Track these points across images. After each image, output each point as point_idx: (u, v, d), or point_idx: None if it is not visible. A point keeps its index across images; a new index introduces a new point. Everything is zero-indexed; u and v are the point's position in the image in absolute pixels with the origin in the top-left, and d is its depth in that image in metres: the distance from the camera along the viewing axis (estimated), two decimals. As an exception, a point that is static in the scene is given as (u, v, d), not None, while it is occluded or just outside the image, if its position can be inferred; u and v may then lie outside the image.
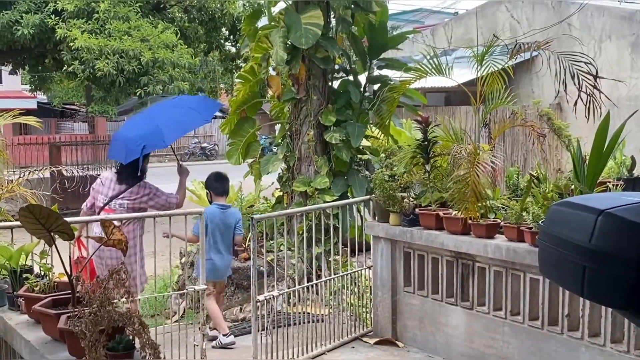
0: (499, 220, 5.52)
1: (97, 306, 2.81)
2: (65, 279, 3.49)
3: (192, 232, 6.43)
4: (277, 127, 16.74)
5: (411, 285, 6.16)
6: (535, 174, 7.13)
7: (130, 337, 2.84)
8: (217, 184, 7.03)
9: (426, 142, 5.96)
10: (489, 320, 5.51)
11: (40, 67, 17.68)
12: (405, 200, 6.07)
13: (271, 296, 5.67)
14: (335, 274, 6.69)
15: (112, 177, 6.38)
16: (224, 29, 17.35)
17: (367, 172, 8.47)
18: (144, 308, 9.81)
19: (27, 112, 31.17)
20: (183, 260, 9.24)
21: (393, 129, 8.11)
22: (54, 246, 3.26)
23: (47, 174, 19.07)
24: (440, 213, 5.76)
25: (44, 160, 19.38)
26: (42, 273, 3.68)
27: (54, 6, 14.07)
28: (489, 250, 5.34)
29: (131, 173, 6.31)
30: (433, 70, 6.24)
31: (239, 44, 17.54)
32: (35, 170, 5.88)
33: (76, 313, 2.89)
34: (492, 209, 5.80)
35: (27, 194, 5.43)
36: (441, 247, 5.73)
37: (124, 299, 2.85)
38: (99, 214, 6.05)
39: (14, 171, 18.93)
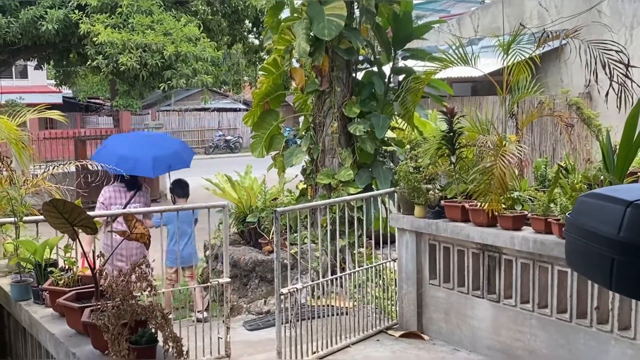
0: (526, 212, 5.43)
1: (120, 300, 2.79)
2: (89, 272, 3.48)
3: (153, 222, 7.33)
4: (301, 119, 16.74)
5: (437, 277, 6.09)
6: (564, 165, 7.04)
7: (153, 330, 2.82)
8: (178, 189, 8.39)
9: (452, 133, 5.87)
10: (516, 313, 5.43)
11: (64, 62, 17.82)
12: (431, 192, 5.99)
13: (295, 289, 5.64)
14: (359, 267, 6.64)
15: (119, 188, 7.66)
16: (247, 22, 17.33)
17: (391, 164, 8.40)
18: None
19: (53, 107, 31.43)
20: (207, 253, 9.25)
21: (418, 120, 8.03)
22: (77, 240, 3.23)
23: (72, 168, 19.27)
24: (466, 205, 5.68)
25: (69, 154, 19.58)
26: (67, 267, 3.68)
27: (78, 1, 14.14)
28: (516, 243, 5.25)
29: (135, 183, 7.71)
30: (459, 60, 6.14)
31: (262, 37, 17.53)
32: (60, 164, 5.83)
33: (99, 307, 2.87)
34: (519, 200, 5.70)
35: (51, 189, 5.42)
36: (467, 239, 5.66)
37: (146, 292, 2.82)
38: (114, 220, 6.80)
39: (39, 165, 19.20)
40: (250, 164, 10.03)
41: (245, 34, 17.84)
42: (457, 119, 5.93)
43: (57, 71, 19.49)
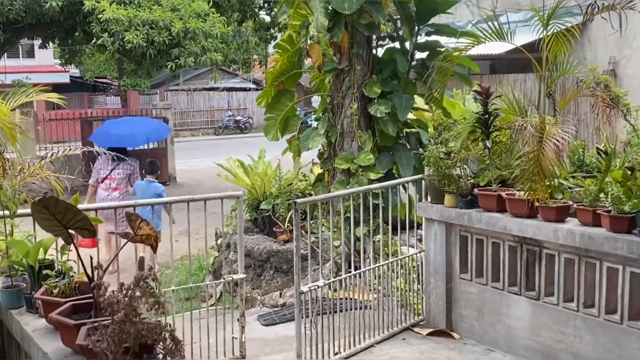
0: (570, 202, 4.94)
1: (122, 318, 2.34)
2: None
3: (132, 192, 9.63)
4: (314, 99, 16.17)
5: (468, 272, 5.63)
6: (603, 148, 6.53)
7: (161, 356, 2.37)
8: (148, 167, 10.00)
9: (487, 115, 5.37)
10: (558, 312, 4.96)
11: (70, 41, 17.32)
12: (462, 179, 5.50)
13: (316, 286, 5.17)
14: (383, 260, 6.17)
15: (106, 158, 9.88)
16: (258, -3, 16.78)
17: (416, 147, 7.89)
18: (179, 292, 9.47)
19: (60, 87, 31.10)
20: (219, 241, 8.82)
21: (446, 100, 7.51)
22: (73, 244, 2.78)
23: (77, 151, 18.83)
24: (503, 194, 5.19)
25: (75, 135, 19.14)
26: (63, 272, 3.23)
27: (83, -24, 13.63)
28: (560, 236, 4.77)
29: (122, 153, 9.71)
30: (493, 35, 5.61)
31: (274, 12, 16.96)
32: (60, 150, 5.39)
33: (97, 326, 2.42)
34: (559, 188, 5.21)
35: (50, 178, 4.97)
36: (503, 231, 5.18)
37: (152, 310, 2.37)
38: (102, 182, 9.99)
39: (45, 147, 18.80)
40: (263, 147, 9.55)
41: (257, 10, 17.26)
42: (492, 100, 5.42)
43: (62, 50, 18.98)
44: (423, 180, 5.96)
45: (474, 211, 5.38)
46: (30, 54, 39.30)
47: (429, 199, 5.93)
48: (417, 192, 7.71)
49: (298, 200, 4.99)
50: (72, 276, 3.14)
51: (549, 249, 4.95)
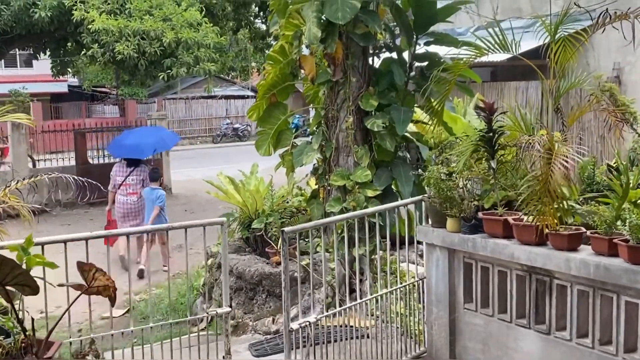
0: (582, 229, 4.53)
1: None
2: (39, 334, 2.62)
3: (157, 204, 10.51)
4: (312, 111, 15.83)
5: (473, 301, 5.21)
6: (614, 165, 6.13)
7: None
8: (150, 174, 11.01)
9: (491, 133, 4.97)
10: (571, 349, 4.54)
11: (62, 51, 16.94)
12: (465, 201, 5.10)
13: (307, 323, 4.75)
14: (379, 285, 5.75)
15: (122, 165, 11.34)
16: (253, 5, 16.36)
17: (416, 162, 7.49)
18: (169, 313, 9.07)
19: (58, 96, 30.74)
20: (210, 261, 8.41)
21: (447, 114, 7.11)
22: (11, 304, 2.38)
23: (72, 162, 18.49)
24: (510, 219, 4.78)
25: (70, 145, 18.76)
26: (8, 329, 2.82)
27: (72, -15, 13.25)
28: (572, 266, 4.36)
29: (133, 163, 11.26)
30: (497, 46, 5.22)
31: (269, 21, 16.59)
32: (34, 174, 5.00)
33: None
34: (570, 211, 4.81)
35: (17, 204, 4.58)
36: (511, 259, 4.77)
37: None
38: (119, 187, 11.10)
39: (44, 158, 18.39)
40: (256, 162, 9.15)
41: (252, 18, 16.88)
42: (497, 116, 5.02)
43: (54, 61, 18.61)
44: (423, 202, 5.54)
45: (478, 237, 4.97)
46: (28, 63, 38.98)
47: (429, 222, 5.53)
48: (416, 209, 7.33)
49: (286, 229, 4.59)
50: (18, 334, 2.73)
51: (561, 280, 4.53)
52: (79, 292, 2.57)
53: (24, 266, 3.06)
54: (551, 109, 5.30)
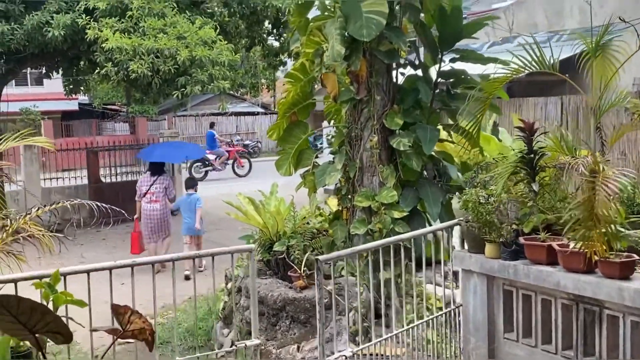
0: (635, 256, 4.28)
1: None
2: None
3: (172, 207, 12.04)
4: (324, 123, 15.61)
5: (514, 331, 4.96)
6: (655, 185, 5.87)
7: None
8: (187, 182, 12.15)
9: (532, 155, 4.74)
10: (623, 383, 4.29)
11: (74, 70, 16.81)
12: (505, 225, 4.86)
13: (343, 357, 4.50)
14: (408, 307, 5.51)
15: (147, 175, 12.09)
16: (266, 22, 16.21)
17: (443, 182, 7.25)
18: (186, 337, 8.84)
19: (69, 114, 30.72)
20: (229, 285, 8.17)
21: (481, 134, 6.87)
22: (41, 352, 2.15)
23: (84, 181, 18.32)
24: (554, 245, 4.54)
25: (82, 163, 18.61)
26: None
27: (86, 4, 13.11)
28: (626, 296, 4.12)
29: (158, 170, 12.01)
30: (535, 63, 4.99)
31: (282, 38, 16.43)
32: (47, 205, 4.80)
33: None
34: (617, 236, 4.56)
35: (36, 230, 4.37)
36: (556, 288, 4.53)
37: None
38: (144, 196, 11.80)
39: (50, 178, 18.22)
40: (275, 182, 8.93)
41: (265, 35, 16.71)
42: (537, 136, 4.79)
43: (67, 80, 18.48)
44: (459, 226, 5.31)
45: (520, 263, 4.73)
46: (39, 81, 39.01)
47: (465, 247, 5.28)
48: (448, 232, 7.10)
49: (321, 258, 4.35)
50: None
51: (612, 310, 4.28)
52: (114, 338, 2.35)
53: (50, 305, 2.85)
54: (592, 128, 5.07)
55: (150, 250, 11.76)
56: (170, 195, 11.88)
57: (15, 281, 4.08)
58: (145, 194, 11.76)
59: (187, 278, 10.60)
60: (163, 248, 11.79)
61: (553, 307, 4.64)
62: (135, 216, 11.99)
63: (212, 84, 12.74)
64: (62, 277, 4.05)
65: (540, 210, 5.00)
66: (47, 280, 3.23)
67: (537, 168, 4.80)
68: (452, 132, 7.11)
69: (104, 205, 6.53)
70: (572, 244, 4.44)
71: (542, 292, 4.69)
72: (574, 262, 4.39)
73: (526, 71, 5.09)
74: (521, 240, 4.76)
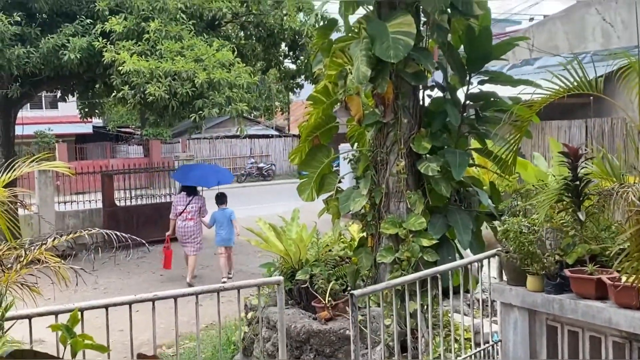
0: (696, 292, 3.98)
1: None
2: None
3: (208, 223, 13.13)
4: (341, 146, 15.37)
5: (558, 370, 4.64)
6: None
7: None
8: (218, 199, 13.00)
9: (577, 182, 4.46)
10: None
11: (90, 93, 16.71)
12: (549, 256, 4.57)
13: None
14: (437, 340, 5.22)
15: (182, 195, 13.08)
16: (283, 45, 16.07)
17: (472, 209, 6.98)
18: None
19: (83, 137, 30.88)
20: (249, 315, 7.90)
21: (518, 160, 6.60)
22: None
23: (98, 205, 18.16)
24: (605, 279, 4.24)
25: (96, 186, 18.47)
26: None
27: (102, 27, 13.01)
28: (687, 335, 3.81)
29: (193, 191, 13.11)
30: (579, 86, 4.73)
31: (299, 60, 16.28)
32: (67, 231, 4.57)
33: None
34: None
35: (53, 260, 4.13)
36: (607, 324, 4.21)
37: None
38: (180, 215, 12.94)
39: (70, 200, 18.04)
40: (297, 208, 8.68)
41: (281, 58, 16.58)
42: (583, 162, 4.51)
43: (82, 103, 18.40)
44: (497, 257, 5.02)
45: (566, 297, 4.43)
46: (53, 105, 39.23)
47: (504, 278, 4.99)
48: (471, 250, 6.81)
49: (355, 293, 4.08)
50: None
51: (669, 349, 3.98)
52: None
53: (68, 351, 2.60)
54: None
55: (188, 261, 13.13)
56: (203, 214, 13.09)
57: (29, 317, 3.83)
58: (181, 213, 12.89)
59: (229, 272, 12.99)
60: (192, 260, 13.06)
61: (603, 345, 4.33)
62: (168, 233, 13.13)
63: (229, 107, 12.55)
64: (80, 312, 3.81)
65: (584, 240, 4.72)
66: (65, 317, 2.97)
67: (583, 196, 4.52)
68: (478, 156, 6.82)
69: (116, 233, 6.25)
70: (623, 278, 4.14)
71: (590, 328, 4.38)
72: (627, 297, 4.09)
73: (568, 93, 4.81)
74: (567, 272, 4.47)
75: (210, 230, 13.56)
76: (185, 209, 12.87)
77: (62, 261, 4.61)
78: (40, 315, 3.78)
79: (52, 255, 4.45)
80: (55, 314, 3.80)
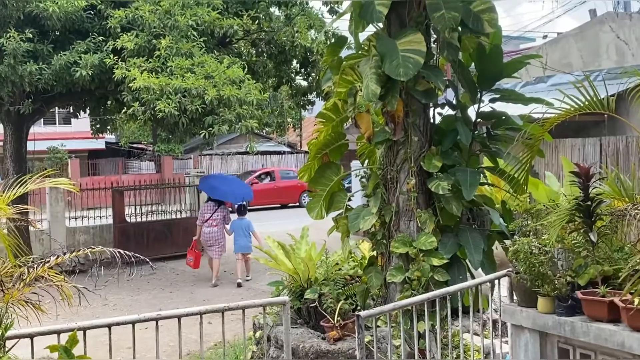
0: None
1: None
2: None
3: (229, 229, 14.38)
4: (353, 163, 15.33)
5: (570, 393, 4.54)
6: None
7: None
8: (239, 209, 14.42)
9: (588, 202, 4.38)
10: None
11: (101, 109, 16.78)
12: (561, 278, 4.48)
13: None
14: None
15: (209, 204, 14.40)
16: (294, 62, 16.10)
17: (481, 226, 6.90)
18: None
19: (95, 152, 30.98)
20: (257, 334, 7.82)
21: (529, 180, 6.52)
22: None
23: (109, 220, 18.18)
24: (617, 301, 4.14)
25: (108, 202, 18.48)
26: None
27: (114, 44, 13.08)
28: (701, 360, 3.70)
29: (219, 203, 14.39)
30: (591, 104, 4.66)
31: (310, 77, 16.29)
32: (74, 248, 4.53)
33: None
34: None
35: (59, 280, 4.09)
36: (620, 348, 4.11)
37: None
38: (206, 221, 14.19)
39: (81, 216, 18.06)
40: (306, 226, 8.62)
41: (293, 75, 16.60)
42: (594, 182, 4.44)
43: (94, 119, 18.49)
44: (508, 277, 4.93)
45: (577, 320, 4.34)
46: (66, 121, 39.49)
47: (514, 299, 4.90)
48: (483, 269, 6.72)
49: (362, 314, 4.01)
50: None
51: (685, 375, 3.87)
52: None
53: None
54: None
55: (212, 264, 14.44)
56: (227, 222, 14.44)
57: (31, 336, 3.78)
58: (208, 220, 14.24)
59: (239, 285, 13.92)
60: (216, 263, 14.41)
61: (615, 369, 4.23)
62: (195, 237, 14.64)
63: (239, 123, 12.55)
64: (83, 331, 3.76)
65: (596, 261, 4.62)
66: (66, 337, 2.93)
67: (595, 216, 4.44)
68: (490, 175, 6.75)
69: (120, 251, 6.14)
70: (636, 300, 4.05)
71: (603, 352, 4.28)
72: (640, 320, 3.99)
73: (580, 112, 4.75)
74: (578, 294, 4.37)
75: (230, 238, 14.87)
76: (211, 216, 14.19)
77: (67, 278, 4.58)
78: (42, 334, 3.72)
79: (57, 273, 4.41)
80: (58, 333, 3.75)
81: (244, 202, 14.93)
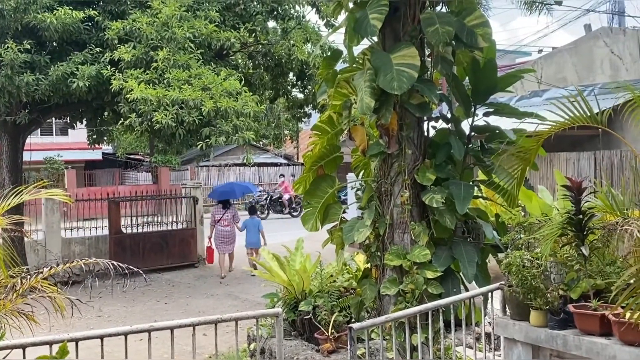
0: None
1: None
2: None
3: (240, 227, 16.35)
4: (349, 175, 15.35)
5: (562, 408, 4.55)
6: None
7: None
8: (249, 209, 17.24)
9: (580, 216, 4.40)
10: None
11: (98, 120, 16.79)
12: (553, 291, 4.50)
13: None
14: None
15: (218, 208, 16.33)
16: (291, 74, 16.16)
17: (474, 239, 6.92)
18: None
19: (92, 163, 30.90)
20: (252, 346, 7.82)
21: (522, 191, 6.55)
22: None
23: (105, 231, 18.15)
24: (609, 315, 4.17)
25: (104, 212, 18.44)
26: None
27: (111, 56, 13.11)
28: (692, 374, 3.72)
29: (228, 204, 16.40)
30: (584, 118, 4.70)
31: (307, 90, 16.34)
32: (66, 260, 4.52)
33: None
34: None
35: (52, 291, 4.09)
36: (611, 362, 4.13)
37: None
38: (218, 222, 16.11)
39: (78, 226, 18.03)
40: (301, 237, 8.63)
41: (289, 87, 16.66)
42: (586, 196, 4.46)
43: (91, 130, 18.50)
44: (501, 291, 4.95)
45: (570, 333, 4.36)
46: (63, 131, 39.43)
47: (507, 313, 4.92)
48: (477, 282, 6.73)
49: (354, 326, 4.02)
50: None
51: (675, 389, 3.88)
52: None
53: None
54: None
55: (220, 260, 16.20)
56: (237, 221, 16.33)
57: (23, 347, 3.78)
58: (219, 220, 16.14)
59: (253, 272, 14.25)
60: (231, 258, 16.50)
61: (607, 382, 4.24)
62: (208, 235, 16.77)
63: (236, 135, 12.57)
64: (75, 343, 3.76)
65: (588, 274, 4.65)
66: (56, 349, 2.93)
67: (587, 230, 4.46)
68: (484, 189, 6.78)
69: (113, 263, 6.13)
70: (628, 314, 4.07)
71: (594, 365, 4.30)
72: (631, 334, 4.01)
73: (572, 125, 4.78)
74: (570, 308, 4.40)
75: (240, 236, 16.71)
76: (222, 217, 16.14)
77: (62, 289, 4.58)
78: (34, 345, 3.73)
79: (51, 284, 4.41)
80: (50, 344, 3.75)
81: (254, 203, 17.21)
